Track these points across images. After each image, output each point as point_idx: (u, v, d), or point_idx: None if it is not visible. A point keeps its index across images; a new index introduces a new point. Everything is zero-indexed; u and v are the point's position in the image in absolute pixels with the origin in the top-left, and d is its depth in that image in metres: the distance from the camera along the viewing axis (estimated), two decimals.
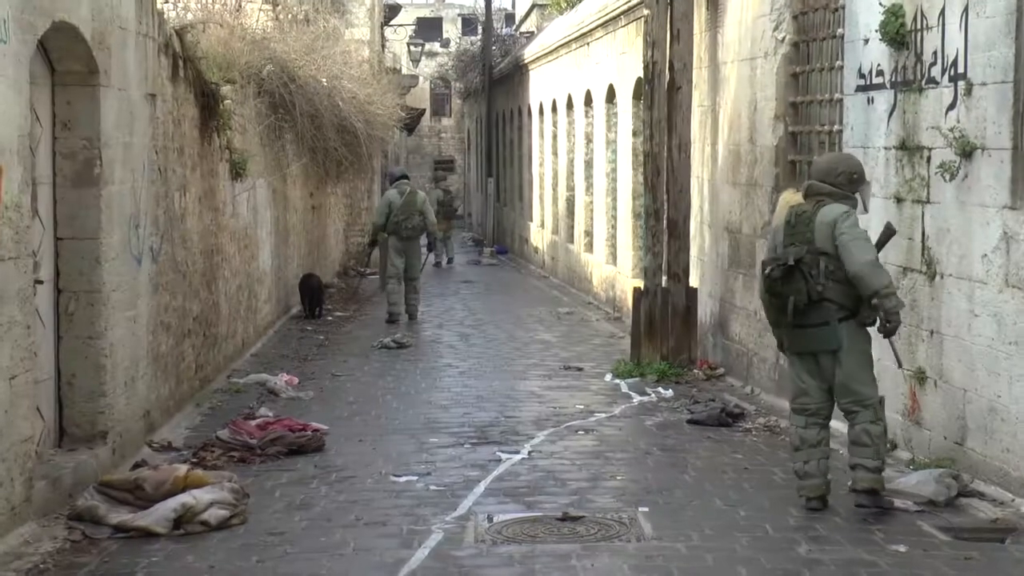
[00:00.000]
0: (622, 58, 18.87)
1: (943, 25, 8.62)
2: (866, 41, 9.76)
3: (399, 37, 44.01)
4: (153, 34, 10.20)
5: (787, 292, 7.76)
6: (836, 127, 10.59)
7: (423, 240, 18.93)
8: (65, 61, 8.48)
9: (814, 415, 7.96)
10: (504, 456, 9.56)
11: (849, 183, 7.98)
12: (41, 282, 8.10)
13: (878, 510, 7.72)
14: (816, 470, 7.88)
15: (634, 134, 17.90)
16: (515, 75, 32.12)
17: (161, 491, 7.81)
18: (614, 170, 19.88)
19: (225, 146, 13.35)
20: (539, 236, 28.11)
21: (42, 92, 8.32)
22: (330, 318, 18.58)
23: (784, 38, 11.59)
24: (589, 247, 22.04)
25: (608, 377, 13.27)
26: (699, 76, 13.85)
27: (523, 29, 41.27)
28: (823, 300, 7.73)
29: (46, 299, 8.35)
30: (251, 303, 15.26)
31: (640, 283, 14.38)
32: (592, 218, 21.79)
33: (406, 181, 18.69)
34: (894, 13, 9.20)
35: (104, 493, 7.83)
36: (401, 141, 39.05)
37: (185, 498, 7.68)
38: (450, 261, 30.00)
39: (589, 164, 22.11)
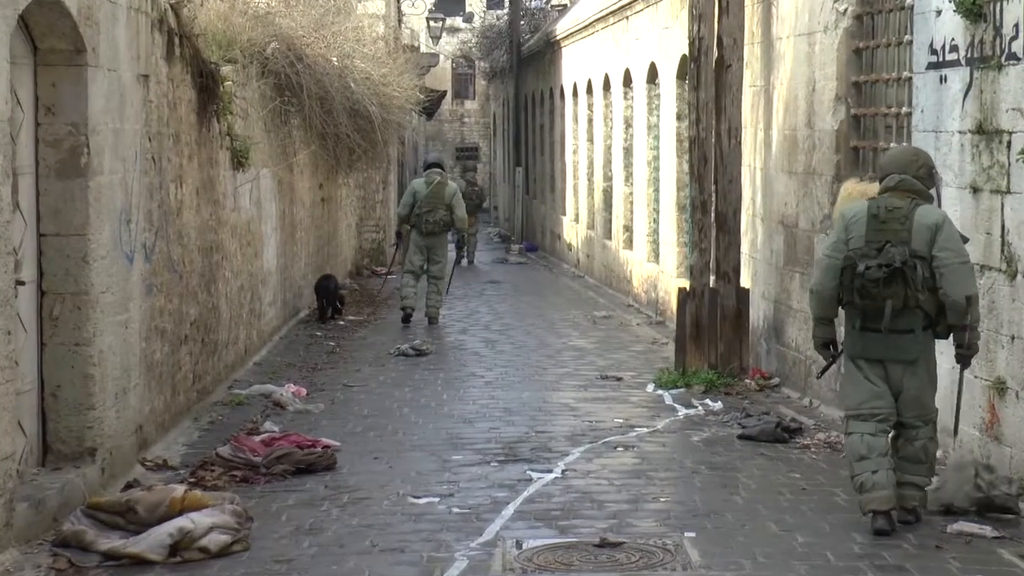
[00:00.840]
0: (665, 33, 18.84)
1: None
2: (938, 13, 9.69)
3: (417, 11, 44.00)
4: (146, 8, 10.22)
5: (886, 296, 7.78)
6: (904, 109, 10.53)
7: (451, 236, 18.86)
8: (49, 38, 8.50)
9: (884, 421, 7.98)
10: (535, 475, 9.55)
11: (929, 177, 8.11)
12: (23, 283, 8.11)
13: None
14: (885, 481, 7.86)
15: (678, 118, 17.88)
16: (546, 53, 32.13)
17: (156, 514, 7.81)
18: (656, 158, 19.85)
19: (225, 132, 13.38)
20: (573, 231, 28.10)
21: (23, 73, 8.34)
22: (342, 322, 18.61)
23: (846, 10, 11.53)
24: (628, 243, 22.01)
25: (650, 387, 13.25)
26: (751, 53, 13.80)
27: (554, 2, 41.29)
28: (916, 308, 7.80)
29: (28, 302, 8.37)
30: (254, 306, 15.29)
31: (685, 283, 14.34)
32: (632, 211, 21.77)
33: (437, 170, 18.72)
34: None
35: (93, 517, 7.84)
36: (420, 126, 39.12)
37: (182, 522, 7.68)
38: (470, 262, 29.81)
39: (628, 151, 22.09)
